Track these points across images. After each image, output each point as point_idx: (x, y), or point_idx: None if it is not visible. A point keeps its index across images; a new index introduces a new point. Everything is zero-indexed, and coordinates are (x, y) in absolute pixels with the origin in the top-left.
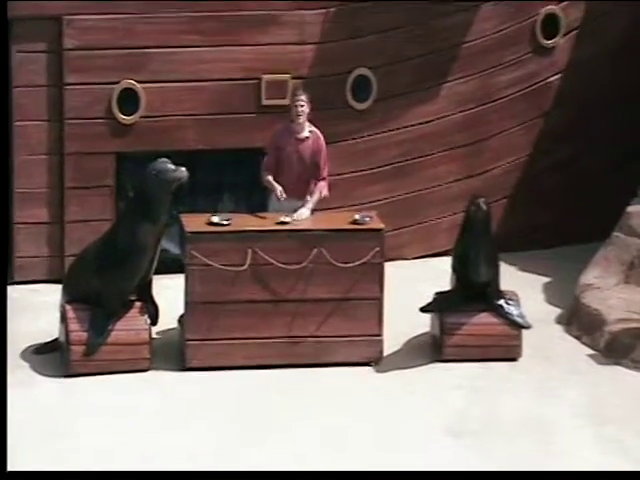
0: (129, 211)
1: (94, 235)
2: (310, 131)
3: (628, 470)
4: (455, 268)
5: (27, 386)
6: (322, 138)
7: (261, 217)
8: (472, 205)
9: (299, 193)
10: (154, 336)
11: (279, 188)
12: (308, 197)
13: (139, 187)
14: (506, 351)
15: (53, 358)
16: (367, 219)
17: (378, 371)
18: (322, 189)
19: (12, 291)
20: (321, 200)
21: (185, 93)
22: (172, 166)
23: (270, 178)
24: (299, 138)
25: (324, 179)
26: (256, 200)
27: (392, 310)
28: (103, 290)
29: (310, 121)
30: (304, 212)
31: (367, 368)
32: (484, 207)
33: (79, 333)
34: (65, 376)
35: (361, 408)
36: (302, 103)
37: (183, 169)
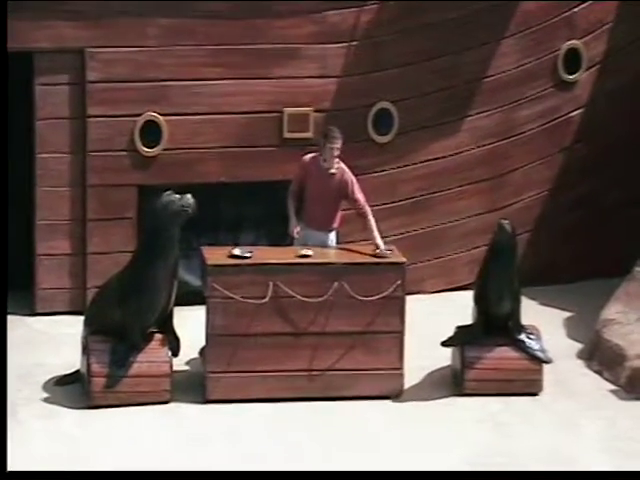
0: (142, 247)
1: (116, 267)
2: (337, 167)
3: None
4: (477, 300)
5: (48, 417)
6: (348, 172)
7: (282, 250)
8: (497, 228)
9: (322, 225)
10: (175, 368)
11: (296, 228)
12: (372, 233)
13: (148, 223)
14: (527, 386)
15: (74, 390)
16: (388, 252)
17: (399, 405)
18: (371, 217)
19: (34, 322)
20: (341, 233)
21: (207, 126)
22: (177, 196)
23: (292, 211)
24: (327, 173)
25: (363, 211)
26: (278, 233)
27: (413, 343)
28: (124, 323)
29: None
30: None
31: (388, 401)
32: (508, 229)
33: (100, 365)
34: (86, 408)
35: (382, 442)
36: (338, 146)
37: (189, 196)
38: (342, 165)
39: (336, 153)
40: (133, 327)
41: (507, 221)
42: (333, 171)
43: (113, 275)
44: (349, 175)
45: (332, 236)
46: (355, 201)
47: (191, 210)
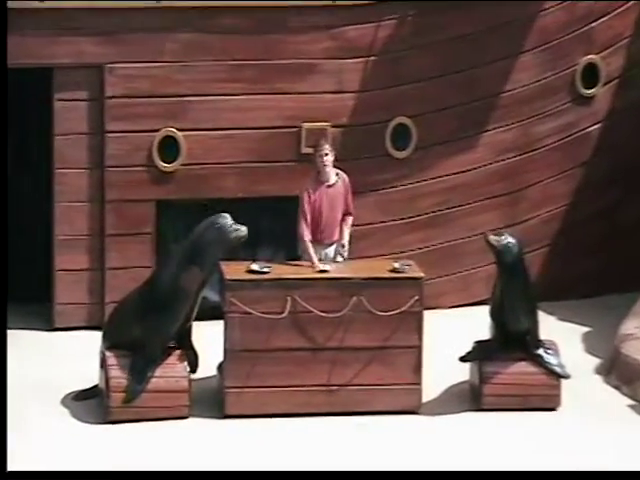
0: (179, 256)
1: (134, 282)
2: (337, 174)
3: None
4: (492, 315)
5: (66, 432)
6: (347, 178)
7: (300, 265)
8: (487, 245)
9: (333, 237)
10: (193, 383)
11: (317, 261)
12: (342, 238)
13: (196, 236)
14: (545, 401)
15: (93, 404)
16: (406, 267)
17: (417, 420)
18: (349, 223)
19: (52, 337)
20: (359, 248)
21: (225, 141)
22: (234, 225)
23: (310, 247)
24: (329, 185)
25: (350, 214)
26: (295, 248)
27: (430, 359)
28: (145, 335)
29: (334, 165)
30: (344, 254)
31: (406, 417)
32: (496, 244)
33: (119, 380)
34: (104, 422)
35: (399, 457)
36: (326, 152)
37: (244, 229)
38: (342, 173)
39: (327, 161)
40: (153, 341)
41: (497, 237)
42: (332, 182)
43: (134, 289)
44: (348, 181)
45: (344, 242)
46: (348, 204)
47: (243, 241)
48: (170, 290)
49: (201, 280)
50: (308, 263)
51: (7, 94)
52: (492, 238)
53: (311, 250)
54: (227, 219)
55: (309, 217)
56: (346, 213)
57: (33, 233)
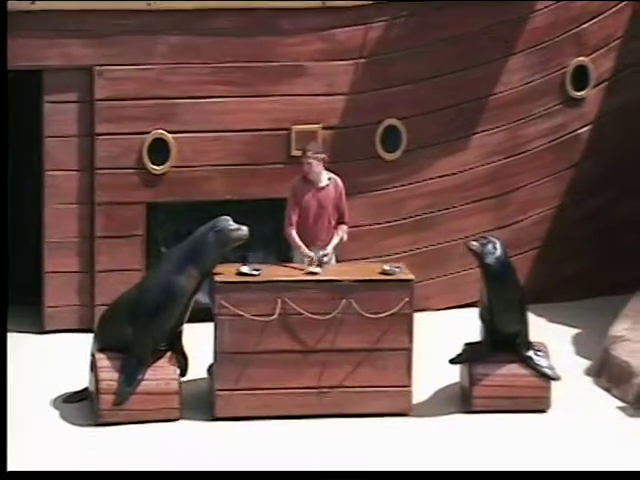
0: (175, 258)
1: (124, 285)
2: (329, 178)
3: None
4: (482, 318)
5: (56, 435)
6: (341, 183)
7: (290, 267)
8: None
9: (323, 240)
10: (184, 386)
11: (308, 253)
12: (329, 244)
13: (196, 239)
14: (535, 403)
15: (83, 407)
16: (396, 269)
17: (407, 422)
18: (344, 233)
19: (42, 340)
20: (348, 250)
21: (215, 143)
22: (234, 225)
23: (297, 239)
24: (319, 187)
25: (346, 223)
26: (285, 250)
27: (421, 361)
28: (136, 336)
29: (327, 169)
30: (330, 258)
31: (396, 419)
32: (478, 250)
33: (109, 382)
34: (95, 425)
35: (390, 459)
36: (309, 161)
37: (245, 228)
38: (335, 177)
39: (315, 165)
40: (144, 343)
41: (478, 242)
42: (325, 183)
43: (125, 291)
44: (342, 187)
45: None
46: (342, 211)
47: (241, 242)
48: (164, 292)
49: (197, 283)
50: (298, 265)
51: (7, 95)
52: (473, 244)
53: (297, 240)
54: (228, 221)
55: (295, 218)
56: (340, 221)
57: (23, 235)
